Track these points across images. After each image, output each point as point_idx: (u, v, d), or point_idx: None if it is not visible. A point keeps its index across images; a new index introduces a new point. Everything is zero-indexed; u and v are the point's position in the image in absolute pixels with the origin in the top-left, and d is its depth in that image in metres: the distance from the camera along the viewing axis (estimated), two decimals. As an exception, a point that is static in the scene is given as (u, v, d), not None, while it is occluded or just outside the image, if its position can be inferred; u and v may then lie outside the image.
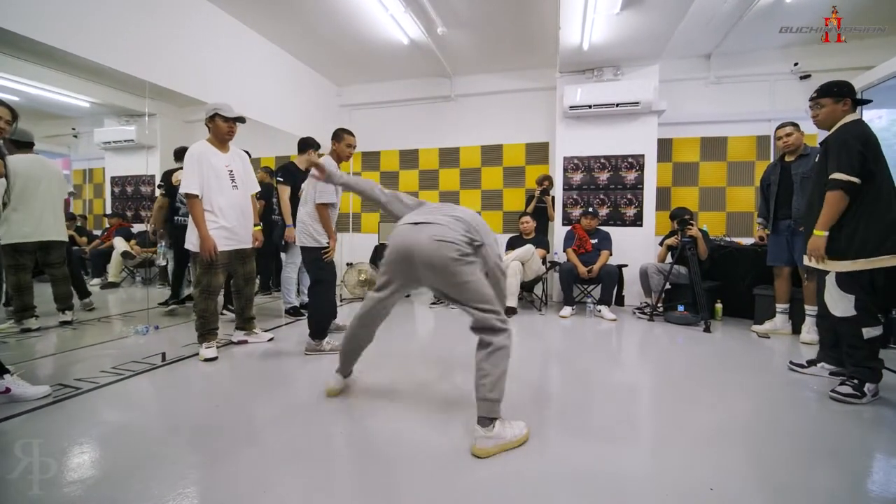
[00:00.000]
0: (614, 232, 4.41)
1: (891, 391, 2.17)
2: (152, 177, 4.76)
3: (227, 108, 2.66)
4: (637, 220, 4.64)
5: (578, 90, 4.55)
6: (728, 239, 4.31)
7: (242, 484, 1.35)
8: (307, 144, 3.74)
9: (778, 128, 3.29)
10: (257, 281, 4.81)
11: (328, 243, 2.76)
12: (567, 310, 4.01)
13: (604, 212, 4.72)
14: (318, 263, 2.77)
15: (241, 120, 2.73)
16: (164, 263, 3.99)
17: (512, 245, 4.47)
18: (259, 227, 2.94)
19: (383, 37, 4.51)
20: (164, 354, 2.61)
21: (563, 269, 4.13)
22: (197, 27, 3.71)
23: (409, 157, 5.92)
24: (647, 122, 4.59)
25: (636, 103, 4.41)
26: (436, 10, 4.00)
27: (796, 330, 3.28)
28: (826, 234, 2.09)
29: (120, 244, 4.60)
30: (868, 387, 2.03)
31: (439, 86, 5.64)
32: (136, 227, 4.90)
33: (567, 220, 4.82)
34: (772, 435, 1.74)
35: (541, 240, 4.47)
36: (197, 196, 2.52)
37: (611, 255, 4.13)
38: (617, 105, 4.47)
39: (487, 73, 5.46)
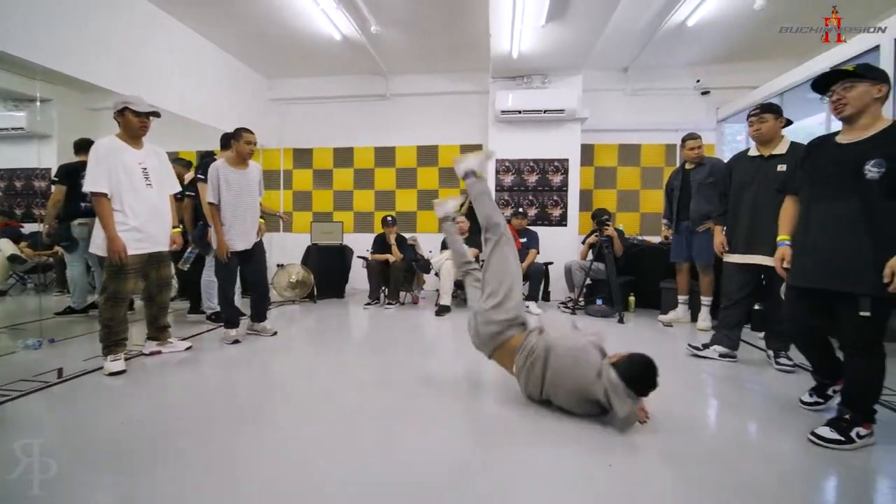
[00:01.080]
0: (541, 231, 4.66)
1: (750, 366, 2.54)
2: (47, 170, 4.25)
3: (138, 100, 2.49)
4: (562, 221, 4.94)
5: (510, 96, 4.74)
6: (640, 238, 4.73)
7: None
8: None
9: (687, 139, 3.63)
10: (175, 286, 4.53)
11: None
12: (498, 307, 4.18)
13: (532, 212, 4.96)
14: (216, 263, 3.00)
15: (156, 114, 2.57)
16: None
17: (446, 245, 4.57)
18: (178, 229, 2.77)
19: (315, 31, 4.39)
20: (60, 370, 2.37)
21: (494, 267, 4.28)
22: (103, 8, 3.37)
23: (343, 156, 5.81)
24: (571, 129, 4.89)
25: (562, 111, 4.69)
26: (369, 8, 3.97)
27: (694, 318, 3.69)
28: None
29: (7, 246, 4.06)
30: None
31: (374, 84, 5.59)
32: (28, 227, 4.35)
33: (499, 220, 5.00)
34: (671, 413, 1.96)
35: (474, 240, 4.60)
36: (104, 195, 2.34)
37: (538, 253, 4.37)
38: (544, 112, 4.72)
39: (423, 74, 5.50)
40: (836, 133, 1.78)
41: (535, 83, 4.90)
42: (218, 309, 3.53)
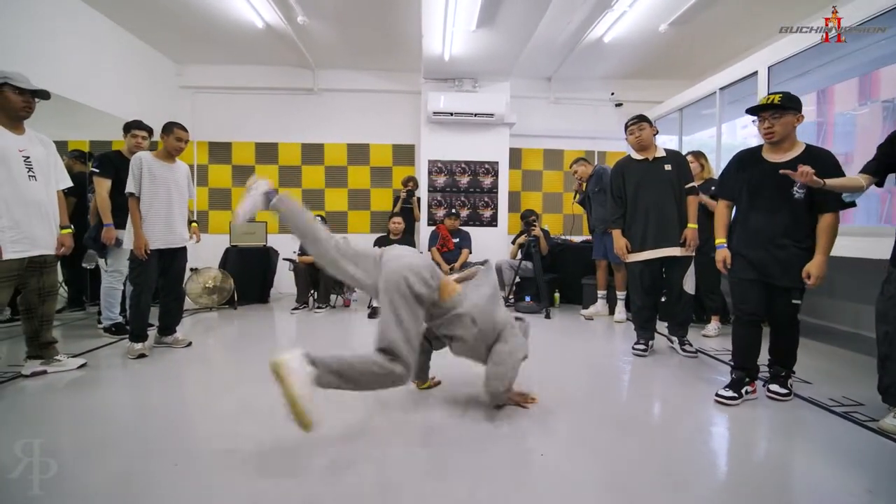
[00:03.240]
0: (473, 232, 4.77)
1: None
2: None
3: (20, 77, 2.15)
4: (493, 221, 5.10)
5: (442, 97, 4.79)
6: (563, 237, 5.04)
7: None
8: (133, 128, 3.16)
9: (572, 164, 4.16)
10: (64, 294, 3.94)
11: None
12: (432, 307, 4.20)
13: (464, 213, 5.06)
14: (131, 264, 2.69)
15: (44, 95, 2.23)
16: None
17: (378, 245, 4.49)
18: (68, 231, 2.40)
19: (234, 16, 4.07)
20: None
21: (428, 267, 4.31)
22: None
23: (266, 151, 5.46)
24: (500, 133, 5.07)
25: (491, 115, 4.83)
26: (294, -3, 3.77)
27: (611, 312, 4.00)
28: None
29: None
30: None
31: (301, 77, 5.32)
32: None
33: (432, 220, 5.04)
34: (596, 404, 2.10)
35: (407, 240, 4.58)
36: None
37: (470, 253, 4.46)
38: (475, 115, 4.83)
39: (354, 70, 5.35)
40: (761, 147, 2.07)
41: (466, 86, 4.99)
42: (118, 320, 3.13)
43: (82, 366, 2.45)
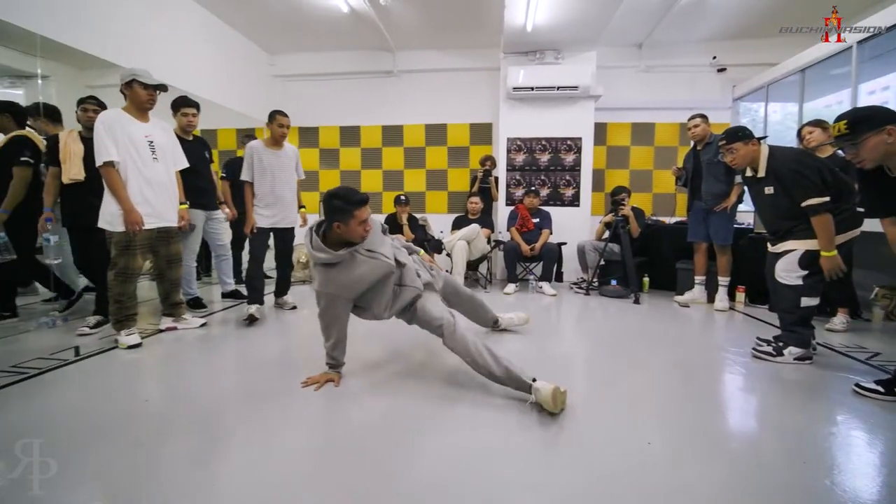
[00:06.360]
0: (554, 211, 4.58)
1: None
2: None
3: (145, 73, 2.46)
4: (575, 201, 4.87)
5: (521, 72, 4.61)
6: (654, 218, 4.67)
7: (182, 485, 1.25)
8: (182, 106, 3.26)
9: (689, 119, 3.60)
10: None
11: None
12: (511, 287, 4.14)
13: (544, 192, 4.88)
14: (252, 239, 3.08)
15: (163, 88, 2.53)
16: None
17: (458, 225, 4.51)
18: (186, 206, 2.73)
19: (320, 3, 4.23)
20: (77, 348, 2.33)
21: (506, 247, 4.24)
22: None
23: (350, 134, 5.69)
24: (584, 107, 4.78)
25: (575, 87, 4.56)
26: (378, -22, 3.82)
27: (710, 299, 3.65)
28: (834, 253, 2.08)
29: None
30: (792, 350, 2.21)
31: (382, 60, 5.43)
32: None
33: (510, 200, 4.93)
34: (695, 392, 1.93)
35: (485, 220, 4.54)
36: (113, 164, 2.31)
37: (551, 233, 4.31)
38: (558, 88, 4.59)
39: (432, 50, 5.34)
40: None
41: (548, 59, 4.75)
42: (196, 294, 3.44)
43: (203, 325, 2.82)
